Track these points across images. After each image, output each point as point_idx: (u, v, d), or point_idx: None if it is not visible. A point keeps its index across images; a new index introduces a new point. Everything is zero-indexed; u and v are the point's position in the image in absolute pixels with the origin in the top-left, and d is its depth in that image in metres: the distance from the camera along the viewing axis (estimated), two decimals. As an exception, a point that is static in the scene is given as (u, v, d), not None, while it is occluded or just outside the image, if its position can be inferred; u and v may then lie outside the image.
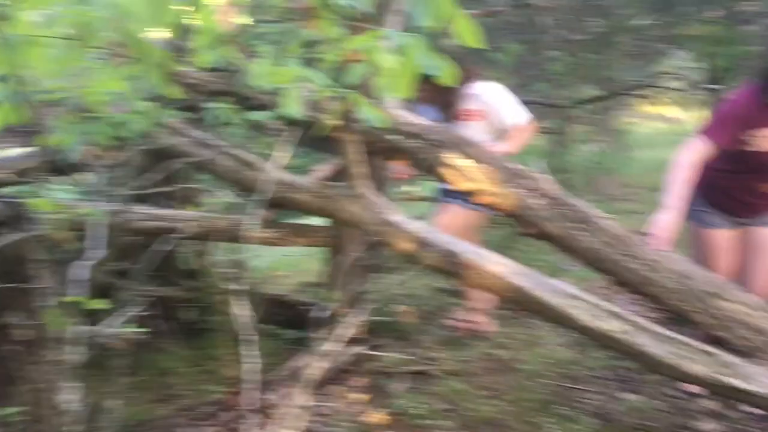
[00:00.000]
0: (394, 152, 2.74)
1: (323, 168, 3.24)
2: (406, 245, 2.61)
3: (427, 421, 2.71)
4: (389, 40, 1.49)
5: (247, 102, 3.06)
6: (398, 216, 2.61)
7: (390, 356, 3.21)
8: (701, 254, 2.90)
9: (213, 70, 2.92)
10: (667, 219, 2.52)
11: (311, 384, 2.85)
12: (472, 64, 3.50)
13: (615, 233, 2.50)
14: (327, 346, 2.97)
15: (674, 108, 15.90)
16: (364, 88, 1.95)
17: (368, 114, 2.05)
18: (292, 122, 2.73)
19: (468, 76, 3.34)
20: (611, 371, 3.44)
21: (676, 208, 2.54)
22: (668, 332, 2.49)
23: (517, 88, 6.70)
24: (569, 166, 6.92)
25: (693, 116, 15.96)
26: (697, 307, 2.48)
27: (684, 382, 2.85)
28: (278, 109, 2.02)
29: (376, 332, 3.55)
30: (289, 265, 5.35)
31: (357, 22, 1.87)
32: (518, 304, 2.69)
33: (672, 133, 9.63)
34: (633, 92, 7.70)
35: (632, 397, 3.12)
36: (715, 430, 2.84)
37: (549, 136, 7.36)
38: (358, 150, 2.51)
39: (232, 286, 2.60)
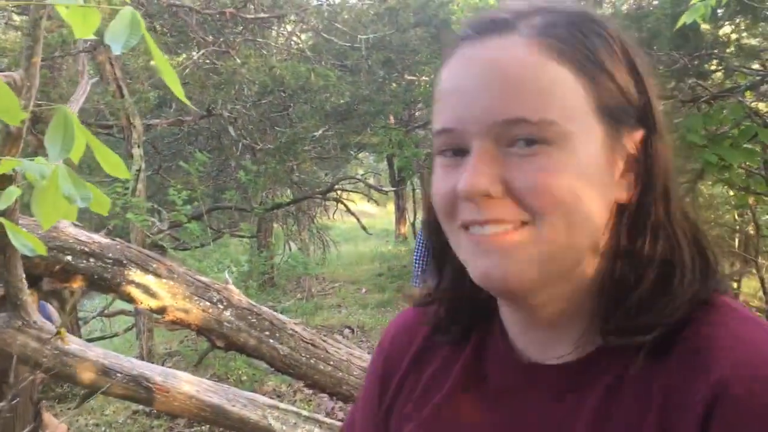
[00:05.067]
0: (68, 274, 2.51)
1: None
2: (88, 375, 2.37)
3: None
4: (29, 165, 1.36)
5: None
6: (75, 344, 2.37)
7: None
8: None
9: None
10: None
11: None
12: None
13: (303, 338, 2.55)
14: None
15: (367, 204, 17.35)
16: (11, 213, 1.76)
17: (19, 240, 1.85)
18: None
19: None
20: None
21: None
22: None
23: (208, 196, 6.71)
24: (269, 268, 7.04)
25: (383, 210, 17.59)
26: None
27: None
28: None
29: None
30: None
31: None
32: (216, 423, 2.58)
33: (366, 227, 10.40)
34: (324, 194, 8.19)
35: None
36: None
37: (248, 241, 7.45)
38: (19, 275, 2.24)
39: None
